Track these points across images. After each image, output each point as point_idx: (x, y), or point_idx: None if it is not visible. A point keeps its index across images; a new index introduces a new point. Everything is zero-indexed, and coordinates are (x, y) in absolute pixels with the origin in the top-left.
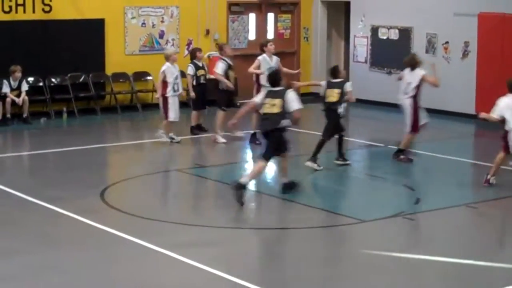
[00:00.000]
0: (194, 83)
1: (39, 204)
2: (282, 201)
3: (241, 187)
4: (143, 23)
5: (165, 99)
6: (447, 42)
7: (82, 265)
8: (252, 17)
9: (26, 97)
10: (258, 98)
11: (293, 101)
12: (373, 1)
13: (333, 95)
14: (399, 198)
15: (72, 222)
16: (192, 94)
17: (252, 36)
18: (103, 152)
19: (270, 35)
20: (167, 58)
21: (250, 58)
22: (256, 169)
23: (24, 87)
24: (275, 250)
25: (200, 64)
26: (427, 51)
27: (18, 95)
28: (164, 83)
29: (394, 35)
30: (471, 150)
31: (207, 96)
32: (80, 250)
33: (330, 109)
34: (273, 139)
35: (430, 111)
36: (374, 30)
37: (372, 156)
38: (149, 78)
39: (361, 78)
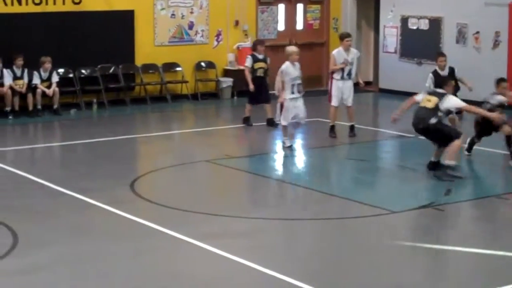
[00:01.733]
0: (252, 75)
1: (70, 195)
2: (313, 192)
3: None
4: (173, 14)
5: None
6: (477, 32)
7: (115, 256)
8: (281, 7)
9: (57, 89)
10: (419, 97)
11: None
12: None
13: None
14: (430, 189)
15: (103, 212)
16: (251, 86)
17: (281, 27)
18: (133, 143)
19: (299, 25)
20: (287, 56)
21: (279, 49)
22: (454, 148)
23: (55, 78)
24: (307, 241)
25: (260, 56)
26: (457, 42)
27: (49, 87)
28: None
29: (424, 25)
30: (503, 141)
31: (265, 90)
32: (111, 241)
33: None
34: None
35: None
36: (404, 20)
37: (402, 147)
38: (178, 69)
39: (391, 69)
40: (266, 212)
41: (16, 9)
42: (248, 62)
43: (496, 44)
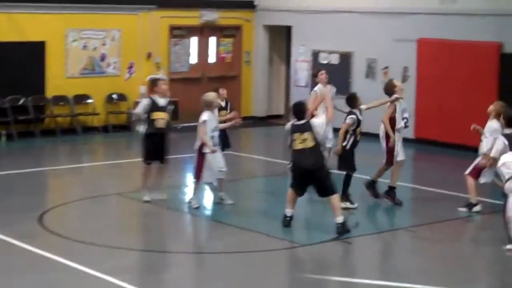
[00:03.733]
0: None
1: None
2: (223, 225)
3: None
4: (85, 46)
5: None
6: (386, 67)
7: None
8: (194, 40)
9: None
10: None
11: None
12: (314, 26)
13: None
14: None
15: (9, 247)
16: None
17: (194, 59)
18: (42, 176)
19: (212, 58)
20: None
21: (191, 81)
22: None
23: None
24: (216, 274)
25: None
26: (367, 76)
27: None
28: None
29: (334, 59)
30: (410, 174)
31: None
32: (17, 276)
33: None
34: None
35: (368, 135)
36: (315, 55)
37: None
38: (89, 101)
39: None
40: (176, 246)
41: None
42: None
43: (405, 78)
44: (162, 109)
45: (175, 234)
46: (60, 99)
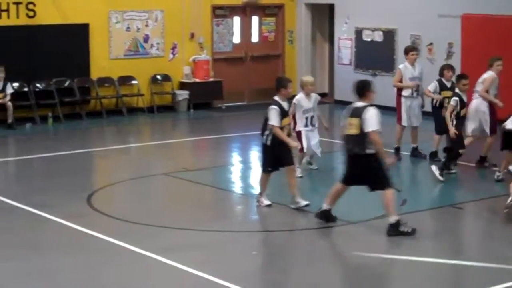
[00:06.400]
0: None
1: (25, 210)
2: (273, 204)
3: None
4: (128, 28)
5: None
6: (431, 44)
7: (70, 271)
8: (236, 20)
9: (10, 103)
10: None
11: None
12: (357, 3)
13: None
14: None
15: (59, 227)
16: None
17: (236, 39)
18: (89, 157)
19: (255, 38)
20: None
21: (234, 61)
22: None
23: (9, 89)
24: (265, 252)
25: (448, 84)
26: None
27: (3, 98)
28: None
29: (378, 37)
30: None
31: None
32: (68, 256)
33: None
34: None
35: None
36: (358, 32)
37: None
38: (134, 82)
39: (346, 80)
40: (224, 225)
41: None
42: (432, 87)
43: (449, 55)
44: (287, 114)
45: (220, 212)
46: (105, 81)
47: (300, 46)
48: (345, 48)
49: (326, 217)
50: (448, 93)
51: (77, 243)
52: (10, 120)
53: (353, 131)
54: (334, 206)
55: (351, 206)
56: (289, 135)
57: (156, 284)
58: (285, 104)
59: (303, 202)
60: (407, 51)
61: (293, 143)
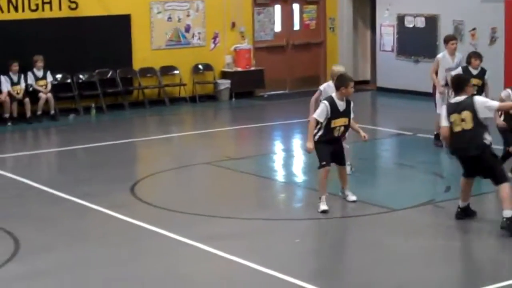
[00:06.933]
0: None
1: (70, 200)
2: (312, 191)
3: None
4: (169, 18)
5: None
6: (474, 29)
7: (116, 259)
8: (277, 8)
9: (50, 94)
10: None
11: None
12: None
13: None
14: (429, 187)
15: (104, 217)
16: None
17: (278, 27)
18: (132, 147)
19: (296, 26)
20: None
21: (276, 49)
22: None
23: (49, 77)
24: (308, 240)
25: (474, 72)
26: None
27: (45, 86)
28: None
29: (420, 23)
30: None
31: None
32: (113, 245)
33: None
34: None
35: None
36: (400, 19)
37: (401, 145)
38: (176, 72)
39: (388, 67)
40: (267, 213)
41: (13, 16)
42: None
43: (492, 40)
44: (342, 114)
45: (263, 201)
46: (147, 71)
47: (341, 33)
48: (387, 35)
49: (466, 214)
50: (475, 81)
51: (121, 233)
52: (52, 112)
53: (468, 125)
54: (468, 201)
55: (392, 192)
56: (340, 138)
57: (201, 272)
58: (341, 104)
59: (352, 197)
60: (446, 40)
61: (309, 145)
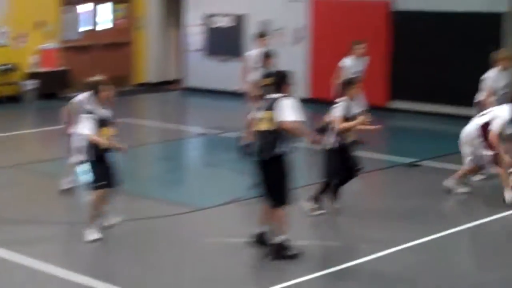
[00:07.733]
0: None
1: None
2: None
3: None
4: None
5: None
6: (280, 28)
7: None
8: (85, 7)
9: None
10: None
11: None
12: None
13: None
14: (236, 185)
15: None
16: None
17: (86, 27)
18: None
19: (105, 25)
20: None
21: (83, 49)
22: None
23: None
24: (117, 242)
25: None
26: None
27: None
28: None
29: (228, 22)
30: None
31: None
32: None
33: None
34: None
35: None
36: (208, 19)
37: (208, 144)
38: None
39: (197, 67)
40: (75, 217)
41: None
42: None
43: (298, 39)
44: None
45: (72, 204)
46: None
47: (150, 33)
48: (195, 35)
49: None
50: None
51: None
52: None
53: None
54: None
55: (201, 192)
56: None
57: (4, 279)
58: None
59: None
60: (260, 36)
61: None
